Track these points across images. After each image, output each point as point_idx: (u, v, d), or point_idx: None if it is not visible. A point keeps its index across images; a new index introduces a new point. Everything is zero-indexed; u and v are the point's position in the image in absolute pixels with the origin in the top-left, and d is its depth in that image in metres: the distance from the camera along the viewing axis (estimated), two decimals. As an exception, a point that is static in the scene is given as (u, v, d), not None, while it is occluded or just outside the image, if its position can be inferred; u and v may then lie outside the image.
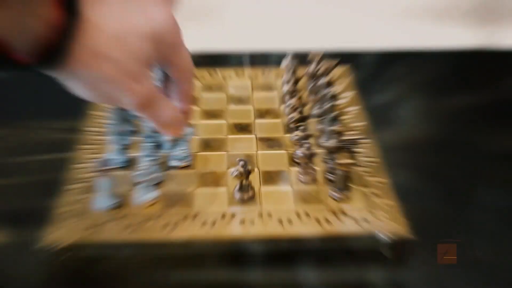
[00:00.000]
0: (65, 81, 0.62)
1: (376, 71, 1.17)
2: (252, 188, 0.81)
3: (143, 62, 0.63)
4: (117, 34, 0.60)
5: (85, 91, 0.63)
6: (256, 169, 0.85)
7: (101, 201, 0.78)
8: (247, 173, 0.79)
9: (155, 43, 0.64)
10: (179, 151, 0.87)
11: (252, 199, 0.80)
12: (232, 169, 0.79)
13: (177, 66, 0.69)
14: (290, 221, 0.77)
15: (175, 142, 0.87)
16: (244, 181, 0.80)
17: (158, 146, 0.88)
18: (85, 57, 0.58)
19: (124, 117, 0.90)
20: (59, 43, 0.56)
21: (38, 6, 0.54)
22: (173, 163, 0.86)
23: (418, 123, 1.03)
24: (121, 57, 0.61)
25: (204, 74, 1.10)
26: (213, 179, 0.84)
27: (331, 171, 0.83)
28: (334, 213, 0.78)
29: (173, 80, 0.72)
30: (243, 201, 0.80)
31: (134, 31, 0.62)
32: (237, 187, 0.80)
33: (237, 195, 0.80)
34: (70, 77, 0.61)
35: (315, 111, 0.96)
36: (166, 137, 0.86)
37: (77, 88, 0.63)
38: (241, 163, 0.79)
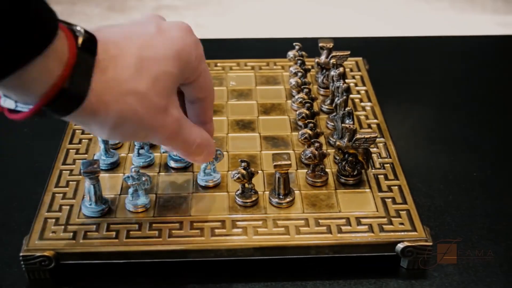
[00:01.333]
0: (83, 125, 0.60)
1: (393, 63, 1.15)
2: (256, 193, 0.78)
3: (170, 88, 0.61)
4: (140, 62, 0.58)
5: (107, 132, 0.60)
6: (260, 171, 0.83)
7: (88, 207, 0.75)
8: (249, 175, 0.77)
9: (180, 64, 0.62)
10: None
11: (255, 204, 0.77)
12: (233, 172, 0.77)
13: (201, 84, 0.68)
14: (298, 229, 0.74)
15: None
16: (246, 185, 0.78)
17: (152, 145, 0.86)
18: (107, 96, 0.56)
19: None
20: (77, 82, 0.54)
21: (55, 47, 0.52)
22: (171, 164, 0.84)
23: (438, 119, 1.03)
24: (147, 89, 0.58)
25: None
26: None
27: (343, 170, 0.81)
28: (347, 220, 0.75)
29: (192, 100, 0.71)
30: (245, 207, 0.77)
31: (158, 56, 0.60)
32: (239, 191, 0.78)
33: (239, 200, 0.77)
34: (90, 120, 0.58)
35: (326, 106, 0.95)
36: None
37: (98, 130, 0.60)
38: (243, 164, 0.77)
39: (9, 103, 0.54)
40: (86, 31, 0.55)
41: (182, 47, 0.62)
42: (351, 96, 0.93)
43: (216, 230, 0.73)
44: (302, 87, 0.95)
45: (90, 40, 0.55)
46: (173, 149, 0.68)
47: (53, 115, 0.55)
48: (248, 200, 0.77)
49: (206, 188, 0.80)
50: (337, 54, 0.95)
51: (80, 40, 0.54)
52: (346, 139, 0.80)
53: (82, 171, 0.74)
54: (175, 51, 0.61)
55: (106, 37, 0.57)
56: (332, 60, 0.94)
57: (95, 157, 0.83)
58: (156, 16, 0.65)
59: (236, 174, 0.76)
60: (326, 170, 0.82)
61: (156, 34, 0.61)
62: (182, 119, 0.65)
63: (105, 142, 0.82)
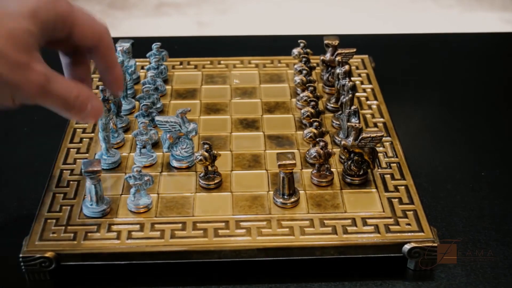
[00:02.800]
0: None
1: (399, 60, 1.15)
2: (219, 175, 0.80)
3: (31, 44, 0.60)
4: None
5: None
6: (264, 171, 0.83)
7: (89, 207, 0.75)
8: (212, 158, 0.79)
9: (37, 22, 0.60)
10: (180, 150, 0.83)
11: (219, 186, 0.80)
12: (195, 153, 0.79)
13: (82, 34, 0.66)
14: (302, 230, 0.74)
15: (176, 140, 0.83)
16: (209, 167, 0.80)
17: (154, 144, 0.86)
18: None
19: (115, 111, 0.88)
20: None
21: None
22: (174, 163, 0.84)
23: (445, 118, 1.02)
24: (3, 45, 0.57)
25: (204, 63, 1.08)
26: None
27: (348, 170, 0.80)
28: (353, 220, 0.75)
29: (84, 52, 0.68)
30: (209, 189, 0.80)
31: (10, 12, 0.59)
32: (202, 173, 0.80)
33: (202, 183, 0.80)
34: None
35: (331, 105, 0.95)
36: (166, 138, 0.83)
37: None
38: (205, 146, 0.79)
39: None
40: None
41: (36, 5, 0.61)
42: (357, 94, 0.93)
43: (220, 231, 0.73)
44: (307, 85, 0.95)
45: None
46: (51, 107, 0.64)
47: None
48: (211, 182, 0.79)
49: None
50: (343, 51, 0.95)
51: None
52: (352, 138, 0.79)
53: (83, 170, 0.74)
54: (30, 9, 0.60)
55: None
56: (338, 58, 0.94)
57: (96, 157, 0.83)
58: None
59: (198, 156, 0.78)
60: (332, 169, 0.82)
61: None
62: (50, 73, 0.62)
63: (107, 141, 0.82)
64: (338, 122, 0.90)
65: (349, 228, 0.74)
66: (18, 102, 0.61)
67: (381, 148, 0.86)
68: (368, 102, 0.97)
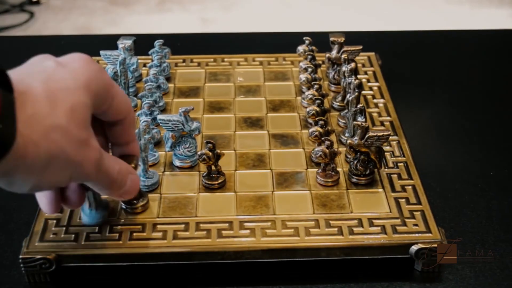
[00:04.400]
0: (4, 177, 0.54)
1: (406, 58, 1.15)
2: (223, 174, 0.80)
3: (87, 119, 0.59)
4: (51, 95, 0.55)
5: (33, 179, 0.55)
6: (268, 170, 0.83)
7: (88, 211, 0.74)
8: (216, 157, 0.79)
9: (90, 94, 0.59)
10: (183, 149, 0.84)
11: (222, 186, 0.80)
12: (198, 153, 0.79)
13: (116, 108, 0.65)
14: (308, 230, 0.74)
15: (179, 139, 0.83)
16: (213, 167, 0.80)
17: (156, 144, 0.86)
18: (34, 134, 0.52)
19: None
20: (4, 124, 0.49)
21: None
22: (176, 163, 0.84)
23: (453, 117, 1.02)
24: (67, 122, 0.55)
25: (208, 61, 1.08)
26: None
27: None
28: (359, 221, 0.75)
29: (111, 124, 0.67)
30: (212, 189, 0.79)
31: (68, 86, 0.57)
32: (205, 173, 0.81)
33: (206, 183, 0.80)
34: (18, 167, 0.53)
35: (337, 103, 0.95)
36: (168, 137, 0.84)
37: (21, 180, 0.55)
38: (209, 145, 0.79)
39: None
40: None
41: (88, 77, 0.59)
42: (363, 92, 0.93)
43: (223, 232, 0.73)
44: (312, 83, 0.95)
45: (2, 74, 0.52)
46: (96, 185, 0.64)
47: None
48: (214, 182, 0.80)
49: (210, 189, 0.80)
50: (349, 49, 0.95)
51: None
52: (358, 137, 0.79)
53: None
54: (83, 81, 0.59)
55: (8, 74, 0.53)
56: (344, 55, 0.94)
57: None
58: (47, 55, 0.61)
59: (202, 156, 0.78)
60: (337, 169, 0.82)
61: (57, 67, 0.58)
62: (101, 149, 0.62)
63: (145, 162, 0.79)
64: (344, 121, 0.90)
65: (355, 229, 0.74)
66: (73, 181, 0.61)
67: (388, 147, 0.86)
68: (375, 101, 0.97)
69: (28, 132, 0.52)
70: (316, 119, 0.86)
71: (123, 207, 0.76)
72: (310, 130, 0.85)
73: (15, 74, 0.54)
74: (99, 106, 0.62)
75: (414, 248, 0.72)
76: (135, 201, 0.76)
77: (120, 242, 0.72)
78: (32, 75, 0.55)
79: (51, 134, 0.54)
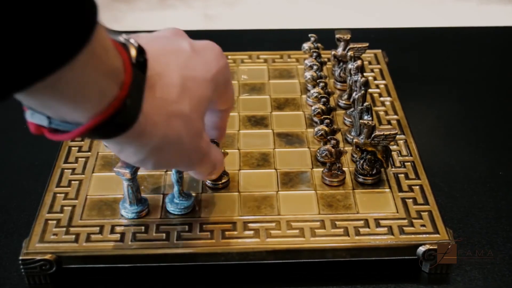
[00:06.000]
0: (118, 146, 0.56)
1: (413, 55, 1.15)
2: (226, 174, 0.81)
3: (205, 111, 0.61)
4: (184, 83, 0.57)
5: (142, 157, 0.57)
6: (273, 170, 0.83)
7: (126, 207, 0.75)
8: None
9: (213, 88, 0.62)
10: None
11: (226, 186, 0.80)
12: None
13: (225, 99, 0.68)
14: (313, 231, 0.73)
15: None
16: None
17: None
18: (156, 116, 0.54)
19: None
20: (132, 102, 0.51)
21: (111, 62, 0.48)
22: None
23: (461, 115, 1.02)
24: (191, 111, 0.58)
25: None
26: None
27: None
28: (365, 221, 0.75)
29: (213, 111, 0.71)
30: (216, 189, 0.80)
31: (198, 78, 0.59)
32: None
33: (209, 182, 0.80)
34: (132, 142, 0.55)
35: (343, 101, 0.95)
36: None
37: (132, 154, 0.57)
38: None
39: (39, 118, 0.50)
40: (135, 42, 0.53)
41: (217, 71, 0.62)
42: (369, 90, 0.93)
43: (227, 233, 0.73)
44: (317, 81, 0.95)
45: (141, 53, 0.53)
46: (197, 172, 0.67)
47: (93, 136, 0.52)
48: (218, 182, 0.80)
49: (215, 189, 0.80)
50: (355, 46, 0.95)
51: (133, 53, 0.52)
52: (364, 136, 0.79)
53: (114, 168, 0.73)
54: (212, 75, 0.61)
55: (147, 51, 0.54)
56: (350, 53, 0.94)
57: (167, 200, 0.77)
58: (180, 31, 0.64)
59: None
60: (343, 168, 0.82)
61: (192, 54, 0.60)
62: (209, 141, 0.65)
63: (180, 184, 0.75)
64: (350, 119, 0.90)
65: (361, 230, 0.73)
66: (176, 168, 0.65)
67: (395, 147, 0.85)
68: (381, 99, 0.96)
69: (152, 113, 0.54)
70: (322, 117, 0.86)
71: (207, 183, 0.79)
72: (316, 129, 0.85)
73: (153, 50, 0.55)
74: (214, 97, 0.64)
75: (421, 249, 0.72)
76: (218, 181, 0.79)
77: (122, 243, 0.72)
78: (169, 56, 0.58)
79: (173, 120, 0.56)
